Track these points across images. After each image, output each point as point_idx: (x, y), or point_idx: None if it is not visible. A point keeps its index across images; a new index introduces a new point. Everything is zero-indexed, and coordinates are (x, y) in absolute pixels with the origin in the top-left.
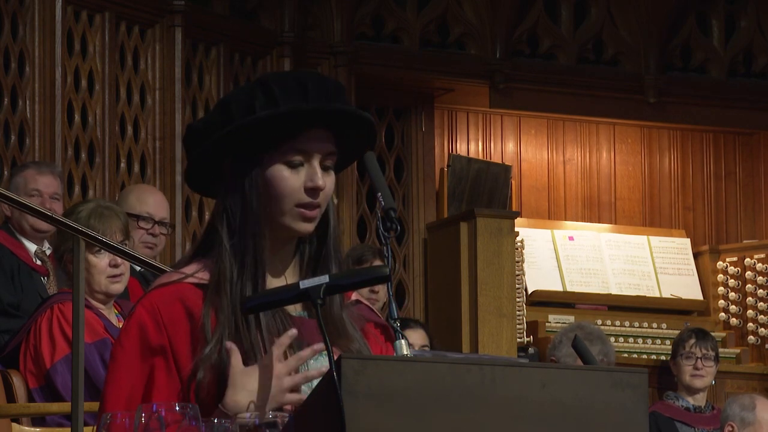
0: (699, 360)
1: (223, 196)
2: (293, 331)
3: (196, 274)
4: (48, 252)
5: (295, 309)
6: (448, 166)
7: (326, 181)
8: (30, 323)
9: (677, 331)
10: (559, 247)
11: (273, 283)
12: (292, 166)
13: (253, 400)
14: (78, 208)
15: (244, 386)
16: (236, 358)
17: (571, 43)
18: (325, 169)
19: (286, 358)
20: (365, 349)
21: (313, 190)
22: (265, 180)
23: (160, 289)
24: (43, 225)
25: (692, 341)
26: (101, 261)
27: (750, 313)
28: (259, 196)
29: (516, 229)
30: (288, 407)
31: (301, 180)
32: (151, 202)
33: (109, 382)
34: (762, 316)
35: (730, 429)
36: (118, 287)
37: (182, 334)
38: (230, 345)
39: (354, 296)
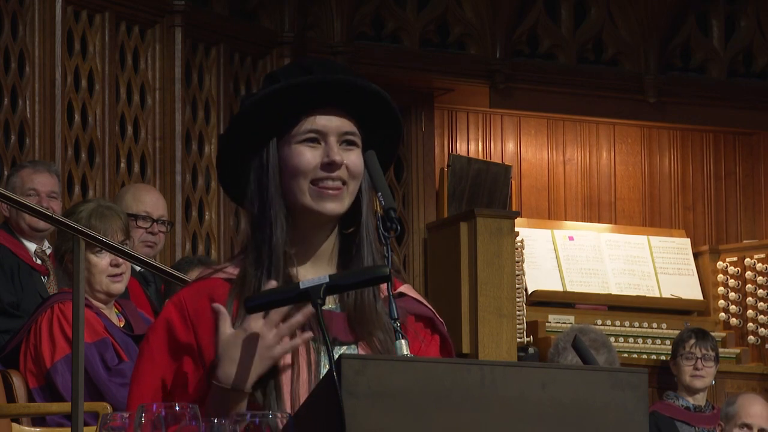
0: (699, 360)
1: (249, 191)
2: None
3: (227, 269)
4: (48, 251)
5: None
6: (448, 166)
7: (348, 158)
8: (30, 323)
9: (677, 331)
10: (559, 247)
11: (307, 273)
12: (309, 144)
13: (244, 367)
14: (79, 208)
15: (232, 358)
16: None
17: (571, 43)
18: (347, 146)
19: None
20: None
21: (329, 165)
22: (282, 162)
23: (191, 285)
24: (41, 224)
25: (692, 341)
26: (102, 261)
27: (750, 313)
28: (276, 180)
29: (516, 229)
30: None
31: (318, 157)
32: (148, 200)
33: (135, 379)
34: (762, 316)
35: (720, 428)
36: (119, 287)
37: (207, 328)
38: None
39: (402, 288)
